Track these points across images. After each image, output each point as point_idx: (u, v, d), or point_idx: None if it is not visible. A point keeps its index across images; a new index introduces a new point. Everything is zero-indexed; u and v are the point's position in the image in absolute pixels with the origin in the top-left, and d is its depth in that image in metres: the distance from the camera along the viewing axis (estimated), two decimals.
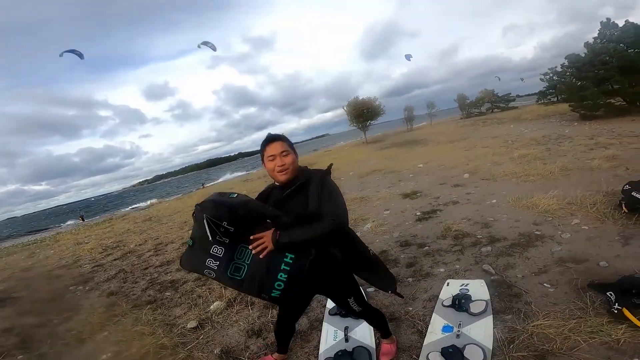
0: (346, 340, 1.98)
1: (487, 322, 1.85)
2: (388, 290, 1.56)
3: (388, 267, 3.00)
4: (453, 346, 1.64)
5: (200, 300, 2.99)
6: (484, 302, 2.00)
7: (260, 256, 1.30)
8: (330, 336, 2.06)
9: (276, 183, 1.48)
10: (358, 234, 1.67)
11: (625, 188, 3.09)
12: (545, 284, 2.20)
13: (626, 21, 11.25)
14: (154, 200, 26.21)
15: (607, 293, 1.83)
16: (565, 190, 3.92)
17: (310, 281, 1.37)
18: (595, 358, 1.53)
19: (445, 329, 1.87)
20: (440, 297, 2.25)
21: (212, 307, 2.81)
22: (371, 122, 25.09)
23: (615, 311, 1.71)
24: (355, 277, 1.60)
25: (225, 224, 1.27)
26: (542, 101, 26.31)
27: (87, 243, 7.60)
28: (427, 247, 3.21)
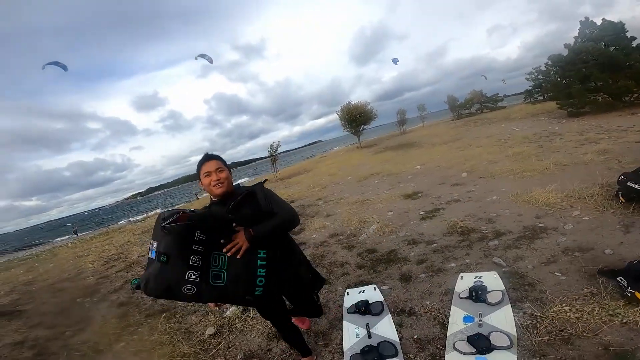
0: (369, 336, 2.01)
1: (507, 310, 1.92)
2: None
3: (399, 265, 3.06)
4: (479, 334, 1.70)
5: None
6: (500, 292, 2.07)
7: (238, 256, 1.36)
8: (352, 333, 2.09)
9: (213, 198, 1.56)
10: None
11: (620, 179, 3.20)
12: (556, 273, 2.29)
13: (603, 19, 11.71)
14: (150, 213, 26.04)
15: (618, 278, 1.92)
16: (563, 184, 4.04)
17: (283, 273, 1.52)
18: (619, 339, 1.61)
19: (467, 319, 1.93)
20: (455, 290, 2.31)
21: (227, 312, 2.82)
22: (364, 127, 25.34)
23: (629, 294, 1.79)
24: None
25: (198, 233, 1.31)
26: (529, 100, 26.97)
27: (87, 256, 7.49)
28: (435, 244, 3.28)
